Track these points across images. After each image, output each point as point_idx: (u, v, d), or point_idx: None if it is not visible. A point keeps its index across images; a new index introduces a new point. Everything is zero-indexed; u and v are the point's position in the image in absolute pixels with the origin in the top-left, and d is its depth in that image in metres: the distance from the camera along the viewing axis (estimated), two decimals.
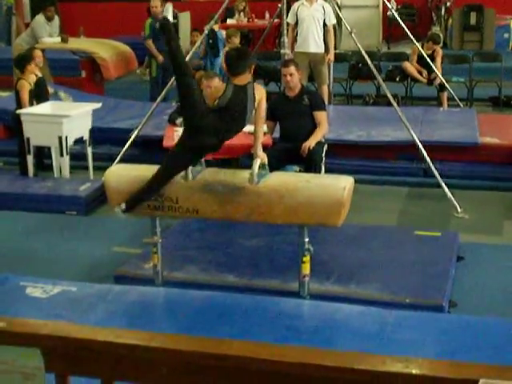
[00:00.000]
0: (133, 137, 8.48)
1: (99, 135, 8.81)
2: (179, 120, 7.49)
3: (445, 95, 10.96)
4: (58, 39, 12.01)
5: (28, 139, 8.12)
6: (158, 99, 8.89)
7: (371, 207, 7.44)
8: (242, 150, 7.18)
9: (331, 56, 10.09)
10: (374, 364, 1.96)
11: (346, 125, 9.06)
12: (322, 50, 9.96)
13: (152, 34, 11.46)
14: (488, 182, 8.09)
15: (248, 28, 15.09)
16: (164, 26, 5.24)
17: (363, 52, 8.57)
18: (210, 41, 11.84)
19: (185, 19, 13.55)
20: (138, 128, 8.54)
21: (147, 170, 5.46)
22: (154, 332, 2.24)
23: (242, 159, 7.58)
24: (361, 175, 7.33)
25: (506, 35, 15.01)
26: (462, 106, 10.96)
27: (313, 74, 10.21)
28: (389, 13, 14.02)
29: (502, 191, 7.90)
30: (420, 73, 11.13)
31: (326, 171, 7.13)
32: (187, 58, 9.58)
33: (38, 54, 8.74)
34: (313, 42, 9.90)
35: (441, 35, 12.23)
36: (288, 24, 9.73)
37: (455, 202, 7.32)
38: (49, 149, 8.35)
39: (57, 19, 12.21)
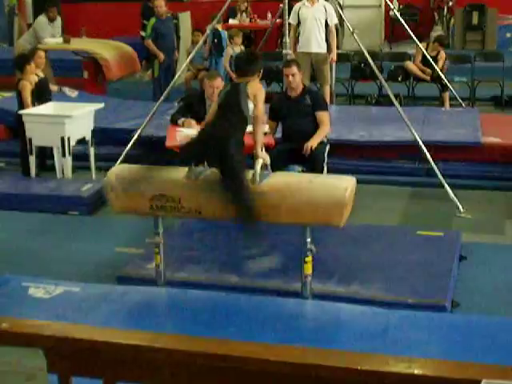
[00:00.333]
0: (135, 137, 8.48)
1: (101, 135, 8.82)
2: (181, 120, 7.49)
3: (447, 95, 10.96)
4: (60, 40, 12.02)
5: (30, 140, 8.13)
6: (160, 99, 8.89)
7: (373, 207, 7.43)
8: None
9: (334, 56, 10.09)
10: (377, 364, 1.96)
11: (349, 125, 9.06)
12: (324, 50, 9.96)
13: (153, 34, 11.47)
14: (490, 181, 8.09)
15: (250, 28, 15.09)
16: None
17: (365, 52, 8.57)
18: (215, 40, 11.85)
19: (185, 19, 13.54)
20: (141, 128, 8.54)
21: (149, 171, 5.46)
22: (156, 332, 2.24)
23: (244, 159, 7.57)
24: (363, 175, 7.34)
25: (508, 35, 15.01)
26: (464, 105, 10.96)
27: (315, 74, 10.21)
28: (391, 13, 14.01)
29: (505, 191, 7.89)
30: (423, 72, 11.12)
31: (328, 171, 7.13)
32: (189, 59, 9.62)
33: (40, 54, 8.75)
34: (315, 42, 9.90)
35: (435, 33, 12.24)
36: (290, 24, 9.74)
37: (457, 202, 7.32)
38: (51, 149, 8.36)
39: (59, 20, 12.22)
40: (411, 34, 10.38)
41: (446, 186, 7.42)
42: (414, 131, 7.70)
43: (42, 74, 8.69)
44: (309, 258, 5.18)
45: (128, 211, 5.51)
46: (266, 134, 6.87)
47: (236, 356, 2.03)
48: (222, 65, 11.66)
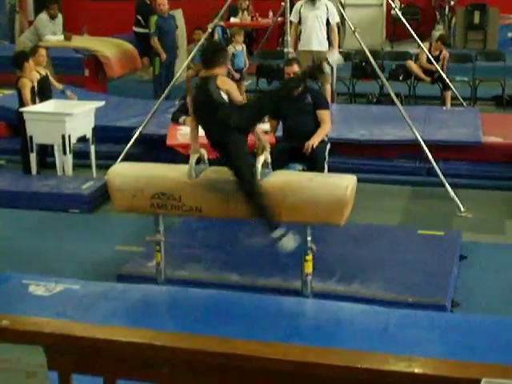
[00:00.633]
0: (136, 135, 8.48)
1: (102, 133, 8.82)
2: (182, 118, 7.50)
3: (448, 94, 10.96)
4: (62, 37, 12.02)
5: (31, 137, 8.13)
6: (161, 97, 8.89)
7: (374, 206, 7.43)
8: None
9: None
10: (377, 363, 1.96)
11: (349, 124, 9.06)
12: (325, 48, 9.95)
13: (157, 32, 11.47)
14: (491, 181, 8.09)
15: (251, 27, 15.08)
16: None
17: (367, 51, 8.57)
18: (225, 35, 11.86)
19: (178, 17, 13.50)
20: (142, 126, 8.54)
21: (150, 169, 5.46)
22: (156, 330, 2.24)
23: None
24: (364, 174, 7.33)
25: (509, 34, 14.99)
26: (465, 105, 10.95)
27: None
28: (392, 12, 14.02)
29: (505, 190, 7.89)
30: (428, 71, 11.10)
31: (329, 170, 7.12)
32: (190, 57, 9.61)
33: (41, 52, 8.74)
34: (316, 40, 9.90)
35: (436, 32, 12.23)
36: (291, 22, 9.74)
37: (458, 202, 7.32)
38: (52, 147, 8.36)
39: (60, 17, 12.22)
40: (413, 33, 10.38)
41: (447, 185, 7.42)
42: (414, 130, 7.70)
43: (43, 72, 8.68)
44: (309, 257, 5.18)
45: (129, 209, 5.51)
46: (266, 132, 6.88)
47: (236, 354, 2.03)
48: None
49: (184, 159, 5.92)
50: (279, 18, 11.18)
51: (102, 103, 8.70)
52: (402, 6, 15.31)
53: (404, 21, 10.39)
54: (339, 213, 4.98)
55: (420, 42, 10.80)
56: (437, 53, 11.09)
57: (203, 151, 5.34)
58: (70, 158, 8.12)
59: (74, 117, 8.09)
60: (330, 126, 7.32)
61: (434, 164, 7.56)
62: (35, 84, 8.38)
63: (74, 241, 6.73)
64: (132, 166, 5.73)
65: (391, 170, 8.37)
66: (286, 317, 4.90)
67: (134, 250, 6.31)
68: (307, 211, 5.01)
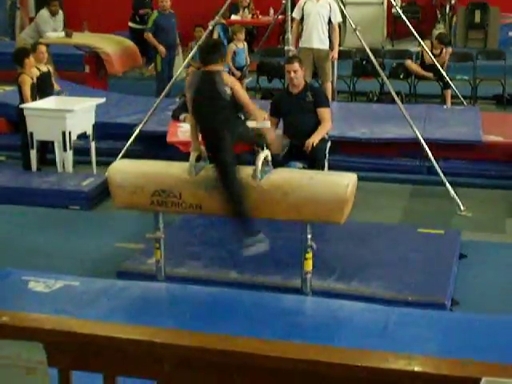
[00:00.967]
0: (136, 132, 8.48)
1: (103, 130, 8.82)
2: (182, 116, 7.49)
3: (449, 93, 10.95)
4: (62, 34, 12.02)
5: (31, 134, 8.13)
6: (162, 95, 8.89)
7: (374, 205, 7.43)
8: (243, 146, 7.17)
9: (335, 54, 10.08)
10: (377, 361, 1.96)
11: (350, 122, 9.05)
12: (326, 46, 9.95)
13: (154, 28, 11.46)
14: (491, 180, 8.09)
15: (252, 24, 15.07)
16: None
17: (367, 49, 8.56)
18: (226, 33, 11.87)
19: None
20: (142, 123, 8.54)
21: (150, 166, 5.47)
22: (156, 327, 2.24)
23: (245, 155, 7.57)
24: (364, 172, 7.33)
25: (510, 33, 14.98)
26: (465, 103, 10.95)
27: (317, 70, 10.21)
28: (393, 10, 14.01)
29: (505, 189, 7.89)
30: (429, 68, 11.08)
31: (329, 168, 7.13)
32: (191, 54, 9.61)
33: (42, 49, 8.72)
34: (317, 38, 9.89)
35: (437, 31, 12.21)
36: (293, 19, 9.75)
37: (458, 200, 7.32)
38: (52, 143, 8.35)
39: (61, 14, 12.22)
40: (413, 31, 10.37)
41: (447, 184, 7.42)
42: (415, 129, 7.69)
43: (44, 68, 8.68)
44: (309, 255, 5.18)
45: (129, 206, 5.51)
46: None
47: (236, 351, 2.03)
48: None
49: (184, 156, 5.92)
50: (280, 16, 11.17)
51: (102, 100, 8.69)
52: (403, 4, 15.28)
53: (405, 19, 10.38)
54: (339, 211, 4.99)
55: (421, 41, 10.79)
56: (437, 52, 11.08)
57: (203, 148, 5.34)
58: (70, 154, 8.12)
59: (74, 113, 8.09)
60: (330, 124, 7.32)
61: (435, 162, 7.56)
62: (35, 81, 8.38)
63: (73, 237, 6.73)
64: (132, 163, 5.73)
65: (391, 169, 8.37)
66: (285, 314, 4.90)
67: (134, 247, 6.31)
68: (307, 209, 5.01)
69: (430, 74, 11.06)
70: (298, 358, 1.98)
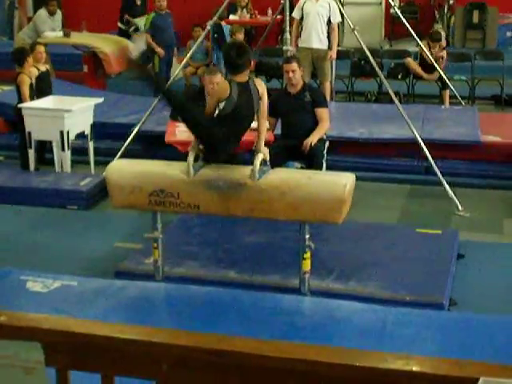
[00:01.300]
0: (134, 132, 8.48)
1: (101, 130, 8.81)
2: None
3: (447, 93, 10.95)
4: (61, 34, 12.02)
5: (29, 133, 8.12)
6: (160, 95, 8.87)
7: (372, 204, 7.43)
8: (243, 146, 7.16)
9: (333, 54, 10.08)
10: (375, 361, 1.96)
11: (348, 122, 9.05)
12: (325, 46, 9.95)
13: (152, 29, 11.46)
14: (489, 180, 8.09)
15: (250, 24, 15.07)
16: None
17: (365, 49, 8.56)
18: (216, 35, 11.83)
19: None
20: (140, 123, 8.53)
21: (149, 166, 5.46)
22: (154, 327, 2.24)
23: (243, 155, 7.57)
24: (362, 172, 7.34)
25: (508, 33, 14.99)
26: (463, 104, 10.95)
27: (316, 70, 10.21)
28: (391, 10, 14.00)
29: (503, 189, 7.90)
30: (428, 68, 11.07)
31: (327, 168, 7.13)
32: (189, 54, 9.60)
33: (39, 49, 8.71)
34: (316, 37, 9.90)
35: (442, 33, 12.18)
36: (293, 19, 9.75)
37: (456, 200, 7.32)
38: (50, 143, 8.35)
39: (59, 13, 12.22)
40: (412, 31, 10.37)
41: (445, 184, 7.42)
42: (413, 129, 7.69)
43: (43, 68, 8.67)
44: (307, 255, 5.18)
45: (127, 206, 5.51)
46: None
47: (234, 351, 2.03)
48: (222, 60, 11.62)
49: (182, 156, 5.91)
50: (278, 16, 11.17)
51: (100, 100, 8.69)
52: (401, 4, 15.29)
53: (403, 19, 10.38)
54: (337, 211, 4.99)
55: (419, 41, 10.78)
56: (435, 50, 11.05)
57: (202, 148, 5.33)
58: (68, 154, 8.11)
59: (72, 113, 8.08)
60: (328, 124, 7.32)
61: (433, 163, 7.55)
62: (33, 80, 8.37)
63: (71, 237, 6.73)
64: (130, 163, 5.72)
65: (389, 169, 8.37)
66: (283, 314, 4.90)
67: (132, 246, 6.31)
68: (305, 209, 5.01)
69: (432, 77, 11.02)
70: (295, 357, 1.98)
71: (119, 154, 8.19)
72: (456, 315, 5.09)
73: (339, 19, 10.12)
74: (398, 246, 6.18)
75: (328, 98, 9.34)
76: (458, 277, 5.71)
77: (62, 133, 7.99)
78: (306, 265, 5.21)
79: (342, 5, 12.18)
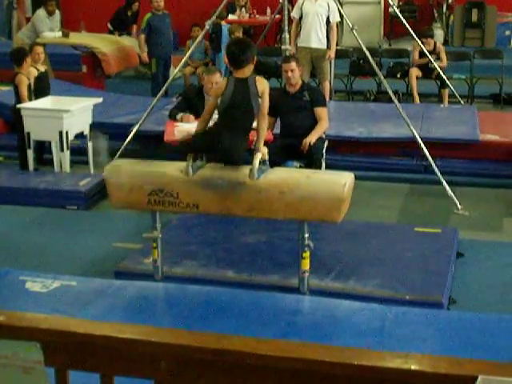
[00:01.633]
0: (133, 132, 8.48)
1: (100, 130, 8.81)
2: (179, 115, 7.48)
3: (446, 92, 10.95)
4: (59, 34, 12.01)
5: (28, 134, 8.12)
6: (159, 94, 8.88)
7: (371, 204, 7.44)
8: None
9: (332, 53, 10.09)
10: (374, 360, 1.96)
11: (347, 121, 9.06)
12: (324, 45, 9.96)
13: (147, 29, 11.43)
14: (488, 179, 8.10)
15: (249, 24, 15.07)
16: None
17: (364, 48, 8.56)
18: (213, 35, 11.83)
19: None
20: (139, 123, 8.54)
21: (147, 165, 5.46)
22: (153, 327, 2.24)
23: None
24: (361, 171, 7.35)
25: (507, 32, 15.01)
26: (462, 102, 10.95)
27: (314, 69, 10.22)
28: (390, 9, 14.01)
29: (502, 188, 7.90)
30: (426, 69, 11.05)
31: (326, 167, 7.13)
32: (188, 54, 9.59)
33: (38, 50, 8.70)
34: (315, 37, 9.91)
35: (434, 30, 12.18)
36: (293, 18, 9.75)
37: (455, 199, 7.32)
38: (49, 143, 8.35)
39: (58, 14, 12.21)
40: (410, 30, 10.37)
41: (444, 183, 7.42)
42: (412, 128, 7.70)
43: (42, 69, 8.66)
44: (306, 254, 5.18)
45: (127, 206, 5.51)
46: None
47: (233, 351, 2.03)
48: (222, 60, 11.63)
49: (181, 156, 5.91)
50: (277, 15, 11.18)
51: (99, 100, 8.69)
52: (400, 3, 15.30)
53: (402, 18, 10.38)
54: (336, 210, 4.98)
55: (418, 40, 10.78)
56: (431, 47, 11.02)
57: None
58: (67, 154, 8.11)
59: (71, 113, 8.09)
60: (327, 123, 7.33)
61: (432, 162, 7.56)
62: (32, 81, 8.37)
63: (71, 237, 6.73)
64: (129, 163, 5.72)
65: (388, 168, 8.38)
66: (282, 314, 4.90)
67: (131, 246, 6.31)
68: (304, 208, 5.01)
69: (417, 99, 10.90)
70: (295, 357, 1.99)
71: (118, 153, 8.19)
72: (455, 314, 5.09)
73: (338, 19, 10.12)
74: (397, 245, 6.18)
75: (327, 97, 9.34)
76: (458, 276, 5.71)
77: (60, 133, 7.99)
78: (305, 264, 5.21)
79: (341, 4, 12.18)
